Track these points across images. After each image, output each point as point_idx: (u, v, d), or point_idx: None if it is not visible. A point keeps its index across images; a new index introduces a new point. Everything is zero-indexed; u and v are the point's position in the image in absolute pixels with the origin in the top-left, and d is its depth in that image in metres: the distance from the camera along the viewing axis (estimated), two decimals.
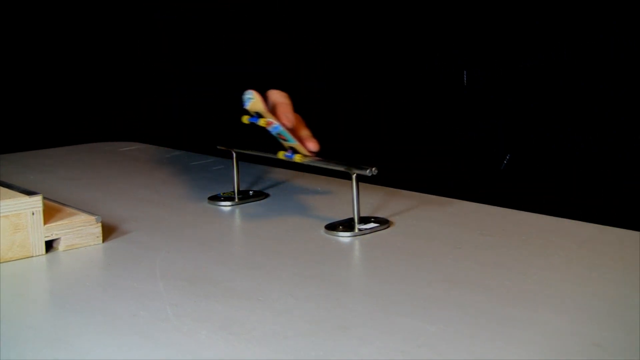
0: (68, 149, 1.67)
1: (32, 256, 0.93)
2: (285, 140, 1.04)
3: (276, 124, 1.01)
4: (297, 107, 1.06)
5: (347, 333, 0.70)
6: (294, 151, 1.04)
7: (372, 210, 1.08)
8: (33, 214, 0.93)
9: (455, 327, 0.70)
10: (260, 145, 1.10)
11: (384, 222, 1.02)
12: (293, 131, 1.03)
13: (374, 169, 0.97)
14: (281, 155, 1.05)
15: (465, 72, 1.19)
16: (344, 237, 0.98)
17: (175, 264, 0.90)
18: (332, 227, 1.00)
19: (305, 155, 1.03)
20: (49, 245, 0.95)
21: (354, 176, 0.99)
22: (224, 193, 1.19)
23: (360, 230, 0.99)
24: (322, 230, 1.01)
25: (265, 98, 1.04)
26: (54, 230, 0.94)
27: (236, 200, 1.16)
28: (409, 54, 1.31)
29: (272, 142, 1.06)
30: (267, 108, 1.03)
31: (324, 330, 0.70)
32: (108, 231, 1.01)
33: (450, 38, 1.29)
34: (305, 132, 1.05)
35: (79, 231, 0.96)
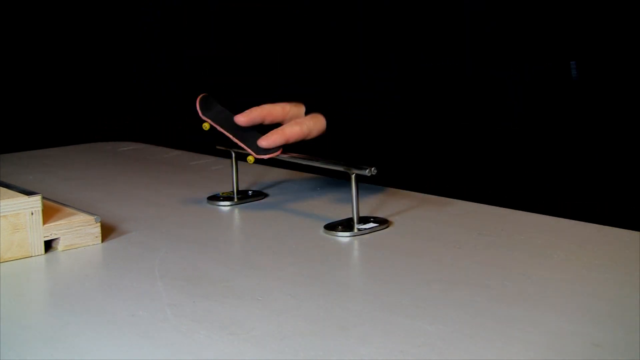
0: (68, 149, 1.67)
1: (31, 256, 0.93)
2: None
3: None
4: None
5: (347, 333, 0.70)
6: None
7: (371, 210, 1.08)
8: (32, 213, 0.93)
9: (455, 327, 0.70)
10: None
11: (383, 222, 1.02)
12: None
13: (373, 168, 0.97)
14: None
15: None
16: (343, 237, 0.98)
17: (174, 264, 0.90)
18: (332, 227, 1.00)
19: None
20: (48, 245, 0.94)
21: (353, 176, 0.99)
22: (223, 193, 1.19)
23: (359, 230, 0.99)
24: (322, 230, 1.01)
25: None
26: (53, 230, 0.94)
27: (235, 200, 1.16)
28: (409, 54, 1.30)
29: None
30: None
31: (324, 330, 0.70)
32: (107, 231, 1.01)
33: (450, 38, 1.29)
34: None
35: (78, 231, 0.96)
